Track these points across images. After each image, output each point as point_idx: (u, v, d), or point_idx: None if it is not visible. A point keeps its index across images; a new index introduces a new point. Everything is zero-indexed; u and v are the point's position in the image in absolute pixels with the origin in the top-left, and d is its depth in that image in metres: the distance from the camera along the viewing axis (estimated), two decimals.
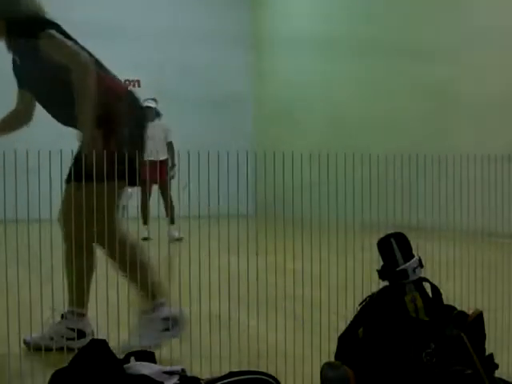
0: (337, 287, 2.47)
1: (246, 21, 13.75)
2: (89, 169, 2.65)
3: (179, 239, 7.46)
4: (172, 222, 8.53)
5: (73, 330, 2.92)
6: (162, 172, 8.68)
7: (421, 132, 9.10)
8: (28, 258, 2.23)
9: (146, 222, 8.62)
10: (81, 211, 2.60)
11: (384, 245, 2.09)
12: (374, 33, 10.00)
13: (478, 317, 2.07)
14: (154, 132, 8.84)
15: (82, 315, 2.99)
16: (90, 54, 2.88)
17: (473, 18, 8.47)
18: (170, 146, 8.89)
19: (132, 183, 2.89)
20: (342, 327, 2.14)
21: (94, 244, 2.90)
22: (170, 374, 2.03)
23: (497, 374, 2.06)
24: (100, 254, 2.88)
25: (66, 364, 1.97)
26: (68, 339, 2.87)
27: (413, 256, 2.08)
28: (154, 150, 8.33)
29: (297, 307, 2.63)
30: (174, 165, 8.74)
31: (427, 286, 2.08)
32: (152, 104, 8.76)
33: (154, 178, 8.20)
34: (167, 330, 2.82)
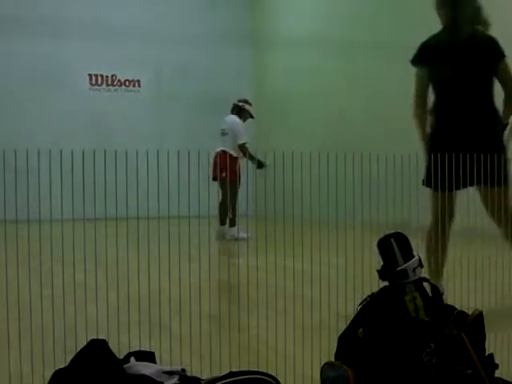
0: (337, 287, 2.47)
1: (246, 20, 13.75)
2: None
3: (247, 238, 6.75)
4: (224, 223, 8.38)
5: None
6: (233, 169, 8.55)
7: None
8: (28, 259, 2.23)
9: (223, 222, 8.35)
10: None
11: (384, 245, 2.09)
12: (374, 32, 10.00)
13: (478, 317, 2.07)
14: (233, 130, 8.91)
15: None
16: None
17: None
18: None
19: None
20: (342, 327, 2.14)
21: None
22: (170, 373, 2.03)
23: (497, 373, 2.06)
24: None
25: (65, 364, 1.97)
26: None
27: (413, 256, 2.08)
28: (232, 148, 8.48)
29: (297, 307, 2.63)
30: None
31: (427, 285, 2.08)
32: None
33: (234, 176, 8.27)
34: None
